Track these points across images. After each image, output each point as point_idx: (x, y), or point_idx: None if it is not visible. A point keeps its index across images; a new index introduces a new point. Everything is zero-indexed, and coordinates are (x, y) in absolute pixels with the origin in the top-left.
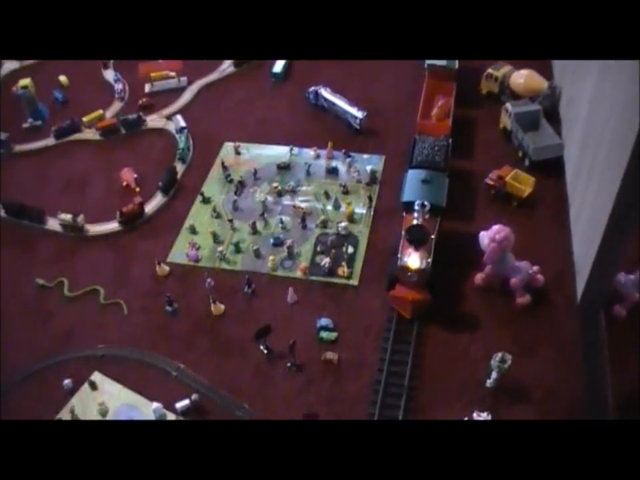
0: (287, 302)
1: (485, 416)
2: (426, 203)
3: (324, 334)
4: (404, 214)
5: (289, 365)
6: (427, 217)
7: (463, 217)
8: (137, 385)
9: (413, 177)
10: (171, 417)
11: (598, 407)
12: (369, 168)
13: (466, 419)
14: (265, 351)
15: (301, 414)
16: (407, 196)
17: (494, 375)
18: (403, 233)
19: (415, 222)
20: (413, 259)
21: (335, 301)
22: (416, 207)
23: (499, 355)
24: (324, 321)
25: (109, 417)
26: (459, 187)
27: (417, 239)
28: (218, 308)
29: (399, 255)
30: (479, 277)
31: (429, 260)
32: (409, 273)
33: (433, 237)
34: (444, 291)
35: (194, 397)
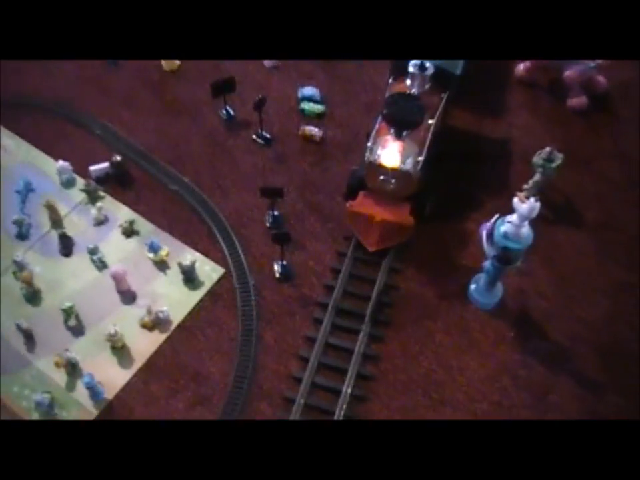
0: (263, 65)
1: (532, 202)
2: (427, 63)
3: (307, 105)
4: (390, 80)
5: (254, 136)
6: (426, 87)
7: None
8: (46, 144)
9: None
10: (80, 181)
11: None
12: None
13: (495, 216)
14: (225, 116)
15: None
16: None
17: (536, 177)
18: (387, 100)
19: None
20: (390, 152)
21: (327, 72)
22: (411, 69)
23: (547, 150)
24: (308, 91)
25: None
26: None
27: (400, 118)
28: (171, 62)
29: (368, 144)
30: (521, 67)
31: (420, 159)
32: (382, 176)
33: (431, 121)
34: None
35: (116, 158)
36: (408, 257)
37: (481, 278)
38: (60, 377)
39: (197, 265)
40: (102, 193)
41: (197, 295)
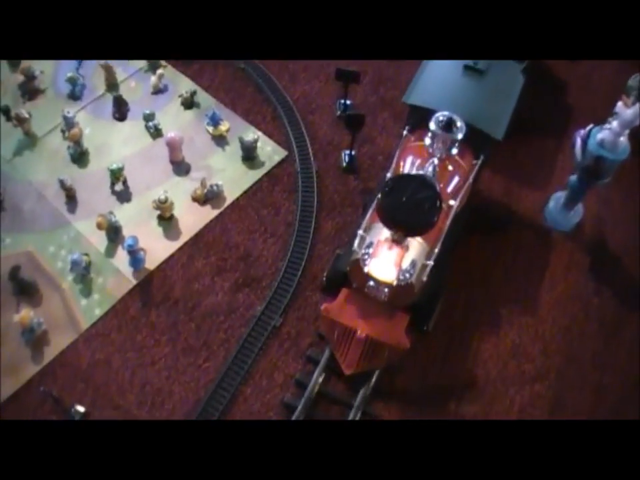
0: None
1: (638, 107)
2: (458, 120)
3: None
4: (404, 131)
5: None
6: (453, 152)
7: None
8: None
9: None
10: None
11: None
12: None
13: (591, 125)
14: None
15: None
16: (419, 95)
17: (632, 99)
18: (383, 187)
19: (418, 172)
20: (385, 262)
21: None
22: (432, 125)
23: None
24: None
25: None
26: None
27: (402, 221)
28: None
29: (360, 232)
30: None
31: (429, 263)
32: (371, 282)
33: (453, 203)
34: None
35: None
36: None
37: (562, 196)
38: (99, 242)
39: (259, 144)
40: (164, 62)
41: (256, 175)
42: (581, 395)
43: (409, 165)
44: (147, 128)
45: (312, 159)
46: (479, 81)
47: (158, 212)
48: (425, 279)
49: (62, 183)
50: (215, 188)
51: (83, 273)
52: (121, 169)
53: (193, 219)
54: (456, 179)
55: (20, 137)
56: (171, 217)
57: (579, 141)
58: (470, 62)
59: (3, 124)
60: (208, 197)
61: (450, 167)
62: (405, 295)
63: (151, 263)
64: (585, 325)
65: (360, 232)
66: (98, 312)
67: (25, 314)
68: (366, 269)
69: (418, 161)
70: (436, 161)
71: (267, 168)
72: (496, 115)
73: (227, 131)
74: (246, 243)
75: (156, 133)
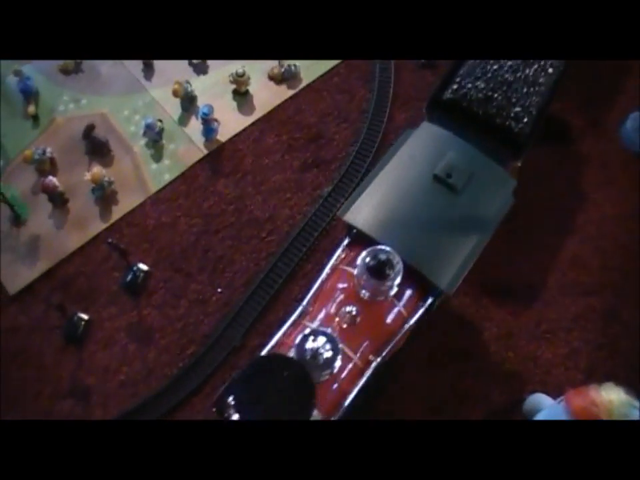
0: None
1: None
2: (396, 260)
3: None
4: (344, 242)
5: None
6: (389, 295)
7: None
8: None
9: (415, 151)
10: None
11: None
12: None
13: None
14: None
15: None
16: (359, 212)
17: None
18: (248, 366)
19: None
20: None
21: None
22: (359, 261)
23: None
24: None
25: None
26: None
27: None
28: None
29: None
30: None
31: None
32: None
33: (373, 358)
34: None
35: None
36: None
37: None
38: (174, 110)
39: None
40: None
41: (333, 60)
42: (635, 312)
43: (330, 300)
44: None
45: None
46: (448, 201)
47: (233, 86)
48: None
49: None
50: (292, 68)
51: (155, 139)
52: None
53: (267, 96)
54: (385, 329)
55: None
56: (246, 92)
57: None
58: (442, 173)
59: None
60: (284, 76)
61: (379, 312)
62: None
63: (223, 135)
64: None
65: None
66: (167, 177)
67: (97, 171)
68: None
69: (341, 297)
70: (354, 310)
71: None
72: (455, 256)
73: None
74: (318, 125)
75: None
